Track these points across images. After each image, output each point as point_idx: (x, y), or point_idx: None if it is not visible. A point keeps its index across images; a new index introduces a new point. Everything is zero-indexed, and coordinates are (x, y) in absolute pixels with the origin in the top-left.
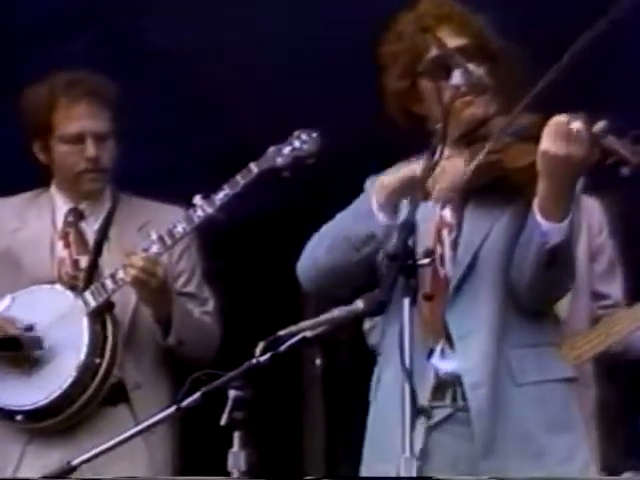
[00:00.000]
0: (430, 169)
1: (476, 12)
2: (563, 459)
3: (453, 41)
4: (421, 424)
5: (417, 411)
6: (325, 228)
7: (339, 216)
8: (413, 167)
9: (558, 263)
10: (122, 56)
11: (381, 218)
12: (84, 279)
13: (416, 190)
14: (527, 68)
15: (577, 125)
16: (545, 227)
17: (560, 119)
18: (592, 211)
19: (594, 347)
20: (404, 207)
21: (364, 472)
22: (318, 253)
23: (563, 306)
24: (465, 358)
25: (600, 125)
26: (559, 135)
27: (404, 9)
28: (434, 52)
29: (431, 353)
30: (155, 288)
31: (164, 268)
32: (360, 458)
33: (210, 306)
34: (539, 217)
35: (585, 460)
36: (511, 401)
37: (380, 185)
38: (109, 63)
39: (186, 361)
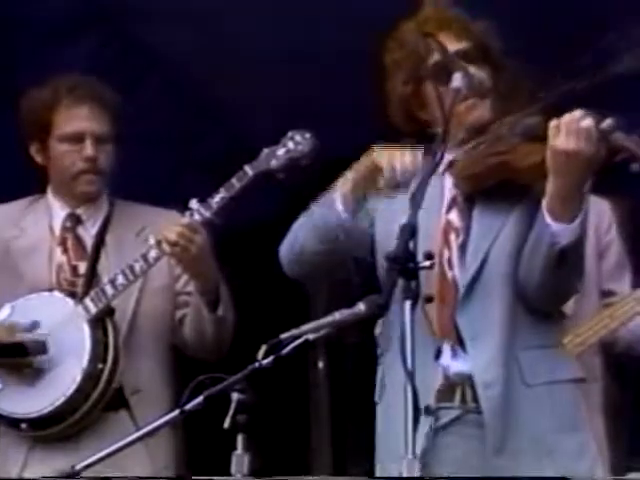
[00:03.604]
0: (431, 172)
1: (478, 19)
2: (573, 458)
3: (454, 45)
4: (426, 424)
5: (424, 411)
6: (301, 217)
7: (313, 206)
8: (373, 156)
9: (568, 264)
10: (123, 60)
11: (343, 213)
12: (83, 285)
13: (377, 180)
14: (528, 71)
15: (587, 122)
16: (554, 228)
17: (570, 116)
18: (599, 210)
19: (597, 332)
20: (372, 198)
21: (378, 472)
22: (291, 241)
23: (569, 303)
24: (476, 359)
25: (608, 122)
26: (569, 131)
27: (405, 17)
28: (436, 57)
29: (439, 354)
30: (196, 255)
31: (204, 236)
32: (366, 460)
33: None
34: (548, 218)
35: (593, 459)
36: (521, 401)
37: (345, 177)
38: (109, 67)
39: (203, 351)
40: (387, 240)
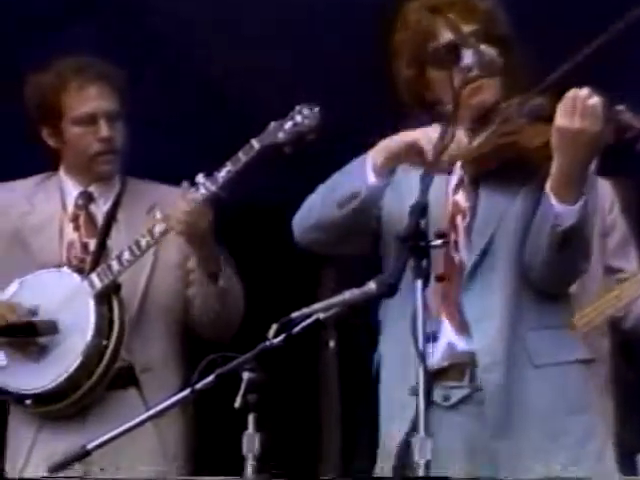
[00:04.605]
0: (441, 151)
1: None
2: (580, 441)
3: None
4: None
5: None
6: (321, 185)
7: (335, 174)
8: (415, 134)
9: (571, 245)
10: (125, 42)
11: (372, 178)
12: (91, 262)
13: (416, 157)
14: (535, 51)
15: (593, 100)
16: (558, 209)
17: (576, 94)
18: (602, 191)
19: (604, 311)
20: (399, 172)
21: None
22: (308, 208)
23: None
24: (481, 340)
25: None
26: (575, 110)
27: None
28: (444, 37)
29: (435, 337)
30: (206, 229)
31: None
32: (375, 438)
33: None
34: (552, 199)
35: (602, 441)
36: (528, 383)
37: (380, 147)
38: (112, 49)
39: (213, 330)
40: (392, 220)
